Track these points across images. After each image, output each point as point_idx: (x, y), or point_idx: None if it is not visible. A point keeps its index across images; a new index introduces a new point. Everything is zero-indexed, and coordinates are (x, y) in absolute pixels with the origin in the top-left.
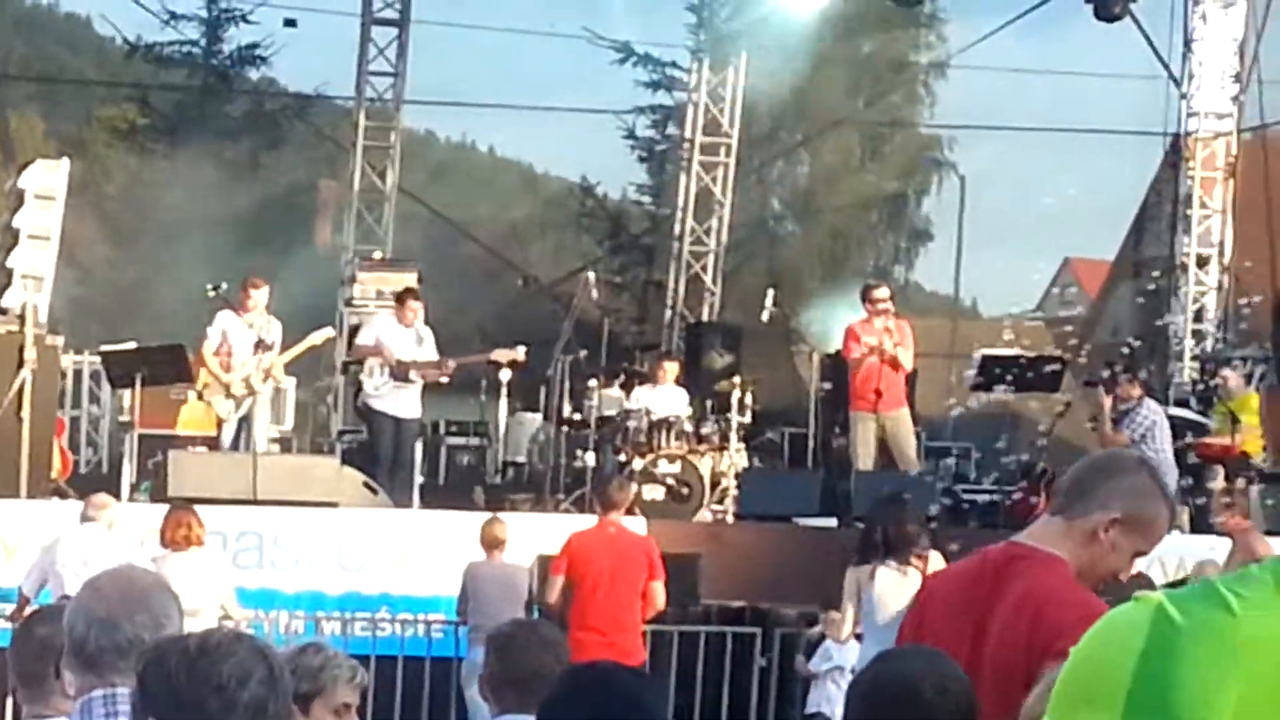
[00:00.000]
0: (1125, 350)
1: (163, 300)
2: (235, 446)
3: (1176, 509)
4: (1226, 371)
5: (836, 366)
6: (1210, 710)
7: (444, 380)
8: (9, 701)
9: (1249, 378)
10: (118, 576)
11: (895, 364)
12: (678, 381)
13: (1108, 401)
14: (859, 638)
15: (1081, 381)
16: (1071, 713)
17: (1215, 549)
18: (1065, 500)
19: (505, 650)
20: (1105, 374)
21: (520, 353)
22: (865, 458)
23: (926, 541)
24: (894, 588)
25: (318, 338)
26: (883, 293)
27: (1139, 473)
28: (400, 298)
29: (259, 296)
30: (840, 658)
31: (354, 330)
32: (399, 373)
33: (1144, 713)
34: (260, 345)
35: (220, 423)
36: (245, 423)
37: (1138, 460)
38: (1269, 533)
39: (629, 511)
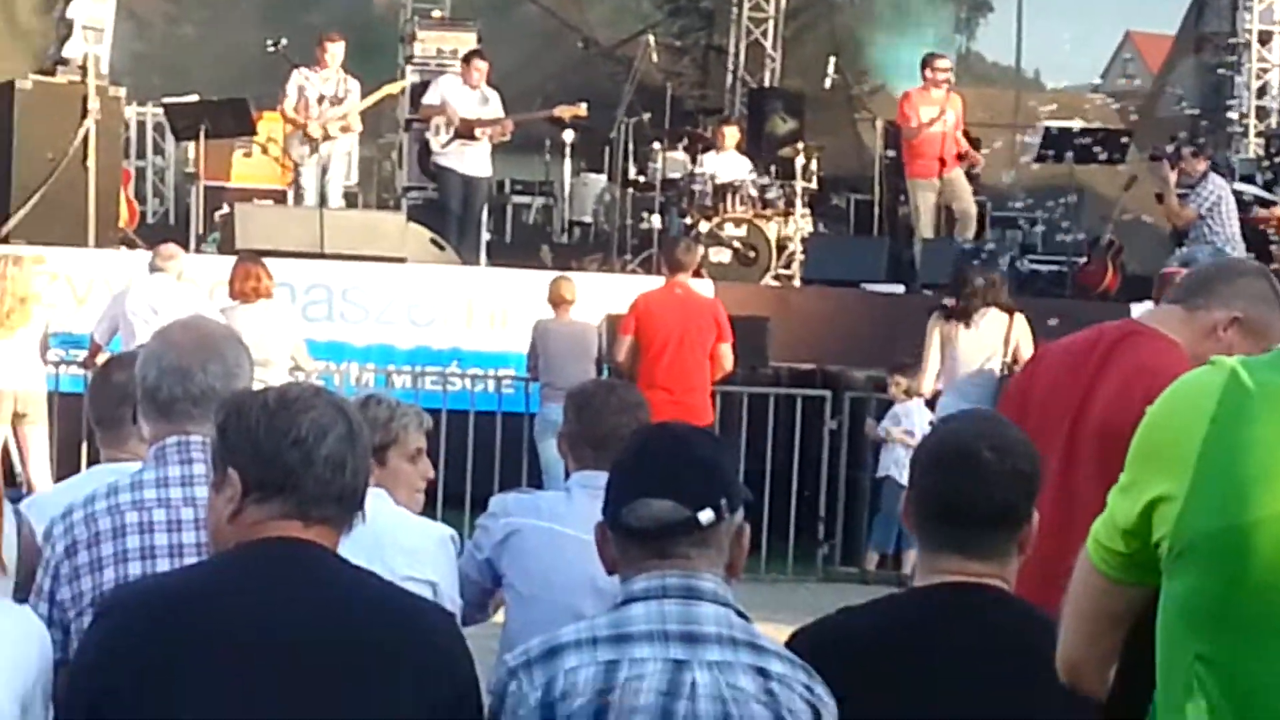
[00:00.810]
0: (1189, 115)
1: (221, 55)
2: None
3: None
4: None
5: (898, 135)
6: (1275, 474)
7: (507, 138)
8: (84, 446)
9: None
10: (188, 326)
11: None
12: (739, 147)
13: (1173, 175)
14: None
15: (1146, 155)
16: (1146, 473)
17: None
18: (1187, 293)
19: (584, 409)
20: (1170, 148)
21: (583, 108)
22: (926, 225)
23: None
24: (978, 341)
25: (394, 88)
26: (944, 63)
27: (1262, 279)
28: (467, 58)
29: (335, 50)
30: (908, 420)
31: (417, 88)
32: (464, 130)
33: (1213, 472)
34: (333, 100)
35: (297, 170)
36: (322, 173)
37: (1261, 268)
38: None
39: (695, 274)
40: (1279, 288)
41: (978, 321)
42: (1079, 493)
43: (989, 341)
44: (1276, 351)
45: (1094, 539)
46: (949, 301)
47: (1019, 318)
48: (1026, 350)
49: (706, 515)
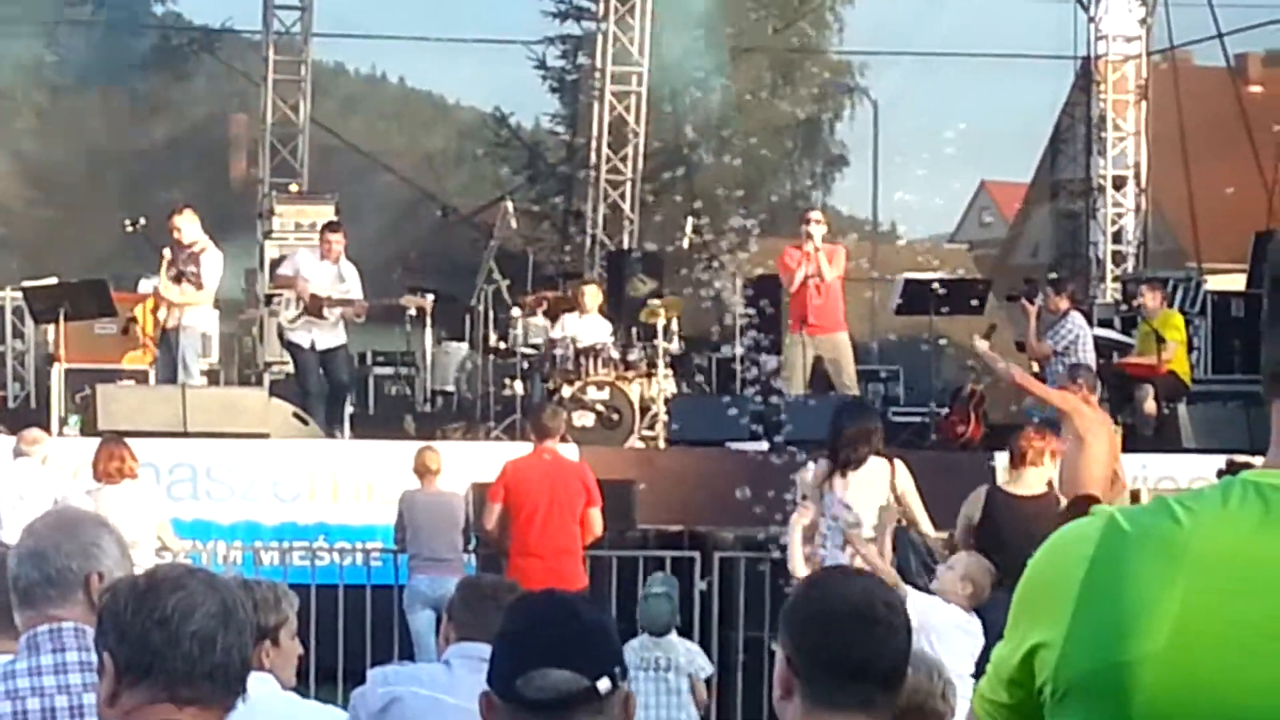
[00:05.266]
0: (1045, 262)
1: (81, 236)
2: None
3: None
4: (1144, 289)
5: (759, 292)
6: (1154, 612)
7: (362, 319)
8: None
9: (1170, 298)
10: (49, 514)
11: (820, 288)
12: (602, 309)
13: (1033, 309)
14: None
15: (1004, 297)
16: (1027, 621)
17: (1147, 466)
18: None
19: (472, 600)
20: (1026, 288)
21: (428, 301)
22: (796, 381)
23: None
24: (860, 489)
25: None
26: (814, 215)
27: None
28: (322, 231)
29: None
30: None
31: (275, 263)
32: (312, 307)
33: (1092, 615)
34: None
35: (159, 347)
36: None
37: None
38: (1200, 450)
39: (561, 439)
40: None
41: (859, 470)
42: None
43: (875, 488)
44: (1155, 499)
45: (978, 695)
46: (829, 454)
47: (899, 465)
48: (912, 497)
49: (604, 684)
